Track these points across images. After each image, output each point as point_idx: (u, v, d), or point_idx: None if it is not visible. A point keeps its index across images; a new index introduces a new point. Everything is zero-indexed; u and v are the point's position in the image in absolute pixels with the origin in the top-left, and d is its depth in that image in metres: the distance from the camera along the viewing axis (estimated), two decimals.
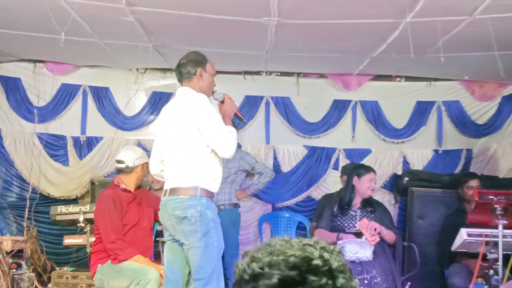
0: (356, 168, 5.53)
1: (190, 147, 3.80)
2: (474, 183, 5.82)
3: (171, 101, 4.22)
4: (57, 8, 4.50)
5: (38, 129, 6.80)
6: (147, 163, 4.85)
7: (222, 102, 4.12)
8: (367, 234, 4.95)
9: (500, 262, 4.58)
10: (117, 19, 4.70)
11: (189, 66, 4.00)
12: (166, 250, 3.98)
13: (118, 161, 4.79)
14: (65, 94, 6.85)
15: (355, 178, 5.29)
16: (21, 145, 6.74)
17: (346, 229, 5.13)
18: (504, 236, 4.62)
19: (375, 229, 4.98)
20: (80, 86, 6.88)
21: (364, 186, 5.26)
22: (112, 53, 6.02)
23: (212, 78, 4.08)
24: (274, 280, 1.28)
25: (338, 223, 5.21)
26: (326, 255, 1.33)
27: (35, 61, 6.75)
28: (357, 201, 5.27)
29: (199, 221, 3.76)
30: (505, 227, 4.61)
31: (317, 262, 1.30)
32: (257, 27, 4.83)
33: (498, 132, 7.02)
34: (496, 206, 4.65)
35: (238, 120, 4.53)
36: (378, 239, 4.98)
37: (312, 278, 1.28)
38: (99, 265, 4.56)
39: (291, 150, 7.01)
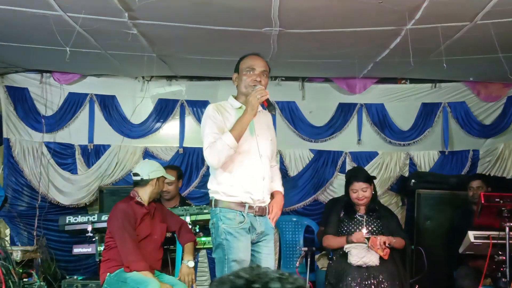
0: (348, 176, 5.51)
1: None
2: (475, 183, 5.80)
3: None
4: (62, 23, 4.55)
5: (46, 138, 6.86)
6: (163, 177, 4.89)
7: None
8: (380, 251, 4.93)
9: (507, 264, 4.59)
10: (121, 32, 4.76)
11: (233, 76, 3.97)
12: None
13: (134, 174, 4.84)
14: (72, 103, 6.91)
15: (349, 186, 5.30)
16: (30, 154, 6.81)
17: (352, 233, 5.13)
18: (511, 239, 4.63)
19: (384, 243, 4.96)
20: (87, 95, 6.94)
21: (352, 196, 5.25)
22: (117, 63, 6.07)
23: (246, 75, 3.81)
24: None
25: (345, 228, 5.21)
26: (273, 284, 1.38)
27: (42, 71, 6.81)
28: (362, 206, 5.27)
29: (214, 234, 3.83)
30: None
31: (257, 285, 1.37)
32: (259, 37, 4.87)
33: (505, 132, 7.01)
34: (502, 208, 4.67)
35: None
36: (389, 250, 4.97)
37: None
38: (108, 274, 4.60)
39: (298, 154, 7.03)
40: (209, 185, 3.90)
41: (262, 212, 3.87)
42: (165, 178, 4.96)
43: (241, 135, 3.68)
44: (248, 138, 3.81)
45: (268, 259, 3.91)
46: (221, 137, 3.67)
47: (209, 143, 3.70)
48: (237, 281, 1.39)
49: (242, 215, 3.79)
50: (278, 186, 4.09)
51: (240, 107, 3.85)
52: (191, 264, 4.71)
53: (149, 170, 4.81)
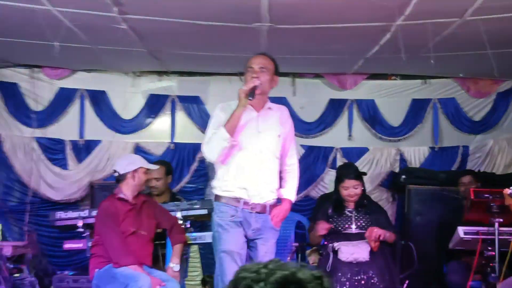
0: (339, 173, 5.48)
1: None
2: (465, 179, 5.83)
3: None
4: (50, 18, 4.53)
5: (37, 134, 6.82)
6: (142, 168, 4.81)
7: None
8: (372, 243, 4.97)
9: (496, 260, 4.62)
10: (110, 26, 4.73)
11: None
12: None
13: (114, 171, 4.85)
14: (63, 98, 6.87)
15: (340, 183, 5.29)
16: (21, 150, 6.76)
17: (342, 230, 5.14)
18: (500, 234, 4.66)
19: (379, 236, 4.98)
20: (77, 90, 6.90)
21: (343, 193, 5.23)
22: (108, 58, 6.05)
23: (247, 74, 3.94)
24: None
25: (334, 224, 5.20)
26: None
27: (32, 66, 6.76)
28: (350, 203, 5.28)
29: (212, 226, 4.04)
30: (501, 224, 4.66)
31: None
32: (249, 32, 4.87)
33: (494, 128, 7.04)
34: (492, 204, 4.69)
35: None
36: (379, 243, 5.01)
37: None
38: (97, 270, 4.60)
39: None
40: (212, 182, 4.11)
41: (260, 209, 3.94)
42: (145, 169, 4.85)
43: (233, 127, 3.79)
44: (250, 134, 3.92)
45: (265, 258, 3.91)
46: (216, 132, 3.82)
47: (207, 139, 3.91)
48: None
49: (236, 209, 3.89)
50: (287, 193, 4.14)
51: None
52: (176, 268, 4.67)
53: (124, 164, 4.79)
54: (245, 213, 3.90)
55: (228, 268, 3.83)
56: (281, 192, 4.10)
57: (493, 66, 5.21)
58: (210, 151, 3.88)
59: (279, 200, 4.11)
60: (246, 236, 3.95)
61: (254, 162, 3.91)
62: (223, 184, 3.95)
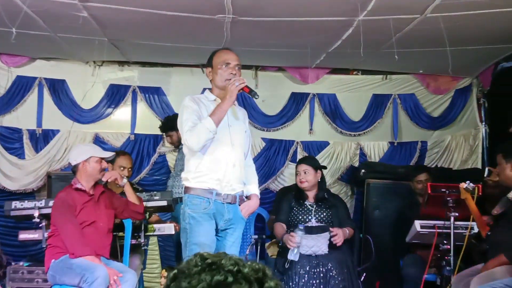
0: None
1: None
2: (422, 177, 5.90)
3: None
4: (8, 3, 4.44)
5: None
6: (93, 157, 4.69)
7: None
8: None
9: (451, 253, 4.72)
10: (71, 14, 4.66)
11: (205, 70, 4.11)
12: None
13: (69, 163, 4.80)
14: (20, 87, 6.74)
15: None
16: None
17: (301, 222, 5.17)
18: (455, 228, 4.77)
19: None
20: (35, 78, 6.77)
21: (296, 179, 5.35)
22: (68, 46, 5.95)
23: (222, 69, 3.94)
24: None
25: (295, 216, 5.24)
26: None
27: None
28: (310, 195, 5.32)
29: (181, 219, 4.02)
30: (457, 218, 4.76)
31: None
32: (212, 23, 4.85)
33: (452, 124, 7.18)
34: (448, 198, 4.79)
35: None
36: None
37: None
38: (53, 260, 4.53)
39: None
40: (182, 174, 4.06)
41: (231, 200, 3.98)
42: (98, 158, 4.70)
43: (220, 120, 3.81)
44: (221, 127, 3.89)
45: (232, 248, 4.02)
46: (201, 121, 3.80)
47: (189, 127, 3.83)
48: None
49: (208, 201, 3.90)
50: (254, 189, 4.19)
51: (214, 100, 3.98)
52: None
53: (75, 155, 4.73)
54: (217, 204, 3.92)
55: None
56: (248, 188, 4.16)
57: (449, 63, 5.30)
58: (195, 139, 3.79)
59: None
60: (216, 228, 3.98)
61: (227, 154, 3.94)
62: (196, 175, 3.93)
